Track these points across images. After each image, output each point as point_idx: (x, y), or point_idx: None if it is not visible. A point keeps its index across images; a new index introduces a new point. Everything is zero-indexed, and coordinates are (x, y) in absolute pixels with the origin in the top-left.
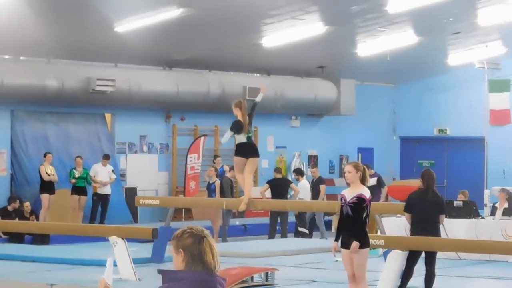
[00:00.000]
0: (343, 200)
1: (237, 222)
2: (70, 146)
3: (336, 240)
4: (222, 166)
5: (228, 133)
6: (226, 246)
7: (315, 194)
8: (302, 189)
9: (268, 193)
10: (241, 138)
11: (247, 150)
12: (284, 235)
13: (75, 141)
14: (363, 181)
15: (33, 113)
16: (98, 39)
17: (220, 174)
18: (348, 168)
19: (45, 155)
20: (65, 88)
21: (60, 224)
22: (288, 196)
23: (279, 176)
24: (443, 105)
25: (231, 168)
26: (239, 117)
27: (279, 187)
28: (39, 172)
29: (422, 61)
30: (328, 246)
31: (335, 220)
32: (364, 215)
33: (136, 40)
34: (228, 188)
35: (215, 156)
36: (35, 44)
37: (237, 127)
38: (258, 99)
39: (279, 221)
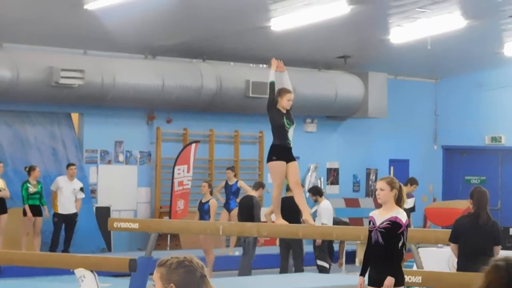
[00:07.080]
0: (371, 224)
1: (236, 252)
2: (27, 153)
3: (362, 274)
4: (237, 182)
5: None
6: (222, 283)
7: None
8: (324, 212)
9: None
10: (290, 133)
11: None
12: (298, 270)
13: (33, 148)
14: (398, 201)
15: None
16: (63, 19)
17: (234, 192)
18: (380, 184)
19: None
20: (21, 80)
21: (13, 253)
22: None
23: (289, 194)
24: (497, 107)
25: (259, 186)
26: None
27: (287, 209)
28: None
29: (472, 51)
30: (350, 283)
31: (359, 250)
32: (400, 244)
33: (111, 21)
34: (259, 213)
35: (231, 168)
36: None
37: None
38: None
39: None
